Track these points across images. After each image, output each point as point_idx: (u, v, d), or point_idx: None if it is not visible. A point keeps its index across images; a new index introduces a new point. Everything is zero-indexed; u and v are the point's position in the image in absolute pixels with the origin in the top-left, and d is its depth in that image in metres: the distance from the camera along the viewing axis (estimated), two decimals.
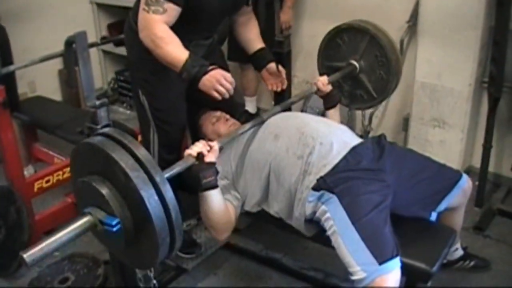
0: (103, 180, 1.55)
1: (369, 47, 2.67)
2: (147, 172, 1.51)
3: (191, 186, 2.37)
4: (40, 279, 2.67)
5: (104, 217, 1.54)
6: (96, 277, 2.65)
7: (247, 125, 2.20)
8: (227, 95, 2.14)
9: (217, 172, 2.00)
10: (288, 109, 2.75)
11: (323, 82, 2.52)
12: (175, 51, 2.16)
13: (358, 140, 2.21)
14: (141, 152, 1.54)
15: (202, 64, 2.15)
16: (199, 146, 1.96)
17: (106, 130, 1.66)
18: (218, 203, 2.06)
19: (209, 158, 1.95)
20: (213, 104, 2.44)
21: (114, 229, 1.52)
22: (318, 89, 2.52)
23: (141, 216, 1.51)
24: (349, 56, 2.73)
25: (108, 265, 2.61)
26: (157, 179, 1.52)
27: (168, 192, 1.54)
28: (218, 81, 2.12)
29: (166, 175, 1.65)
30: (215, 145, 2.00)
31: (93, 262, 2.72)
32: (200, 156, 1.93)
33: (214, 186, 2.00)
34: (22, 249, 2.72)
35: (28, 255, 1.46)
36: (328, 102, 2.58)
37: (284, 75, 2.56)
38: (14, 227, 2.75)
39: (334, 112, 2.59)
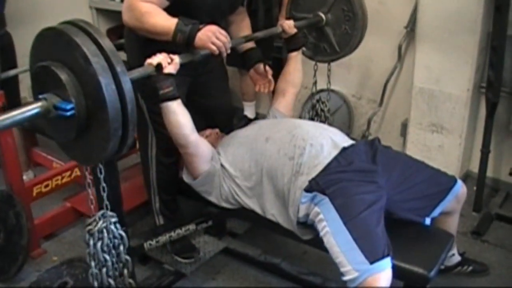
0: (62, 66, 1.56)
1: (337, 1, 2.73)
2: (108, 61, 1.52)
3: (190, 190, 2.39)
4: (39, 283, 2.67)
5: (59, 102, 1.54)
6: None
7: None
8: (223, 49, 2.16)
9: (176, 85, 2.06)
10: None
11: (289, 25, 2.59)
12: (163, 20, 2.17)
13: (349, 142, 2.23)
14: (105, 41, 1.55)
15: (194, 22, 2.17)
16: (159, 57, 2.02)
17: (72, 19, 1.66)
18: (176, 116, 2.13)
19: (168, 69, 2.02)
20: (209, 119, 2.48)
21: (68, 113, 1.52)
22: (283, 31, 2.60)
23: (96, 103, 1.51)
24: (317, 8, 2.80)
25: None
26: (118, 69, 1.53)
27: (127, 84, 1.54)
28: (214, 34, 2.14)
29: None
30: (176, 58, 2.06)
31: None
32: (159, 67, 1.99)
33: (172, 97, 2.07)
34: (21, 253, 2.76)
35: None
36: (292, 44, 2.67)
37: (270, 76, 2.59)
38: (13, 231, 2.75)
39: (296, 55, 2.68)
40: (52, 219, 3.13)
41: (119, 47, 3.92)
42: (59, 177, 3.15)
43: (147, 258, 2.85)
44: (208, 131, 2.54)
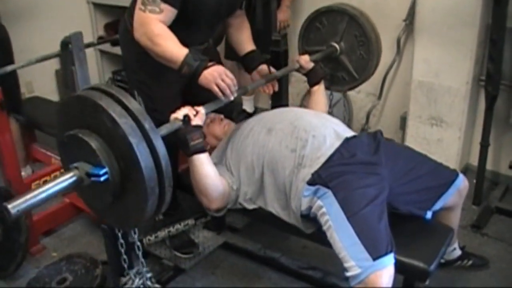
0: (90, 132, 1.54)
1: (348, 28, 2.71)
2: (135, 120, 1.50)
3: (189, 185, 2.38)
4: (38, 279, 2.67)
5: (91, 169, 1.52)
6: (94, 277, 2.64)
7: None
8: (227, 91, 2.14)
9: (204, 136, 2.02)
10: (285, 104, 2.76)
11: (305, 60, 2.56)
12: (174, 47, 2.15)
13: (351, 133, 2.21)
14: (130, 101, 1.53)
15: (203, 59, 2.15)
16: (184, 110, 1.99)
17: (93, 84, 1.64)
18: (208, 168, 2.07)
19: (196, 121, 1.98)
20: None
21: (102, 178, 1.51)
22: (301, 66, 2.56)
23: (129, 164, 1.49)
24: (329, 38, 2.78)
25: (106, 266, 2.60)
26: (146, 126, 1.51)
27: (157, 140, 1.52)
28: (219, 75, 2.13)
29: None
30: (201, 109, 2.03)
31: (91, 262, 2.72)
32: (186, 119, 1.96)
33: (202, 149, 2.03)
34: (20, 250, 2.75)
35: (13, 205, 1.43)
36: (312, 78, 2.61)
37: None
38: (12, 228, 2.75)
39: (318, 88, 2.61)
40: (51, 215, 3.13)
41: (116, 42, 3.91)
42: (58, 173, 3.14)
43: (146, 253, 2.84)
44: (212, 114, 2.49)
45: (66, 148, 1.63)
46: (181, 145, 2.00)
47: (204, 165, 2.05)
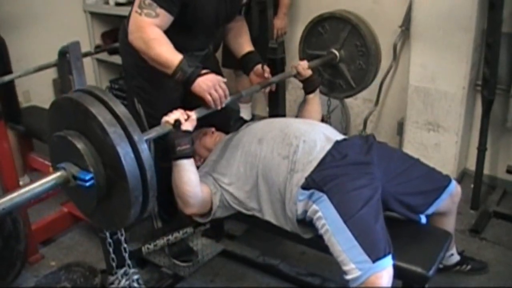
0: (79, 135, 1.54)
1: (350, 37, 2.70)
2: (125, 129, 1.50)
3: None
4: None
5: (78, 172, 1.52)
6: (93, 286, 2.64)
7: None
8: (218, 102, 2.14)
9: (192, 142, 2.02)
10: (283, 111, 2.76)
11: (303, 66, 2.55)
12: (169, 52, 2.15)
13: (341, 136, 2.22)
14: (121, 109, 1.53)
15: (197, 66, 2.15)
16: (176, 114, 1.99)
17: (86, 86, 1.63)
18: (190, 174, 2.07)
19: (186, 126, 1.99)
20: (205, 122, 2.47)
21: (87, 184, 1.50)
22: (298, 73, 2.55)
23: (115, 172, 1.50)
24: (330, 45, 2.77)
25: (105, 274, 2.60)
26: (135, 137, 1.51)
27: (145, 151, 1.53)
28: (214, 85, 2.12)
29: (144, 137, 1.62)
30: (193, 114, 2.04)
31: (90, 271, 2.71)
32: (177, 123, 1.96)
33: (188, 156, 2.03)
34: (18, 259, 2.75)
35: None
36: (308, 86, 2.60)
37: (268, 74, 2.51)
38: (10, 237, 2.74)
39: (313, 97, 2.61)
40: (49, 224, 3.13)
41: (113, 51, 3.91)
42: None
43: (145, 261, 2.85)
44: (204, 129, 2.52)
45: (55, 146, 1.62)
46: (169, 149, 2.01)
47: (186, 171, 2.06)
